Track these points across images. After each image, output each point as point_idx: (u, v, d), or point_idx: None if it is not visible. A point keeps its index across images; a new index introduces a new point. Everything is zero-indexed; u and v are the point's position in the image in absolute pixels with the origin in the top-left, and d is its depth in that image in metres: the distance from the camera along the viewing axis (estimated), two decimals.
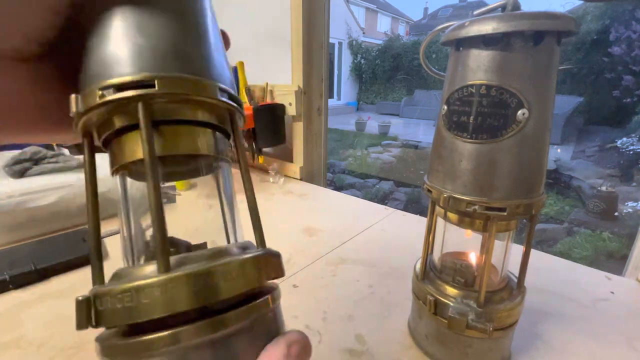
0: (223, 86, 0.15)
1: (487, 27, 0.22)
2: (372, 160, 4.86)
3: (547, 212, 3.02)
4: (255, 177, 0.89)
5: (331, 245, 0.53)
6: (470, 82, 0.24)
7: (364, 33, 12.69)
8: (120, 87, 0.13)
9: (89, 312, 0.12)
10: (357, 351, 0.33)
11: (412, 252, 0.48)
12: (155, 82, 0.13)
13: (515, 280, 0.31)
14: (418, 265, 0.33)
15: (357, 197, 0.78)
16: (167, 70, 0.13)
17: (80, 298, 0.12)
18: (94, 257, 0.14)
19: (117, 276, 0.14)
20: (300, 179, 0.89)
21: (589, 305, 0.40)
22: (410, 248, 0.52)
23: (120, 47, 0.13)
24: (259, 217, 0.16)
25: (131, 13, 0.13)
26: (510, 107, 0.23)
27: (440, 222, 0.32)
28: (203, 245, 0.17)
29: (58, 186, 0.56)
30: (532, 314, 0.37)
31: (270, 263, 0.15)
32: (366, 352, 0.32)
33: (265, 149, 0.94)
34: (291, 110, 0.84)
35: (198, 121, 0.15)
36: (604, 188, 3.02)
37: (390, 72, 10.60)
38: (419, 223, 0.63)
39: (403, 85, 10.42)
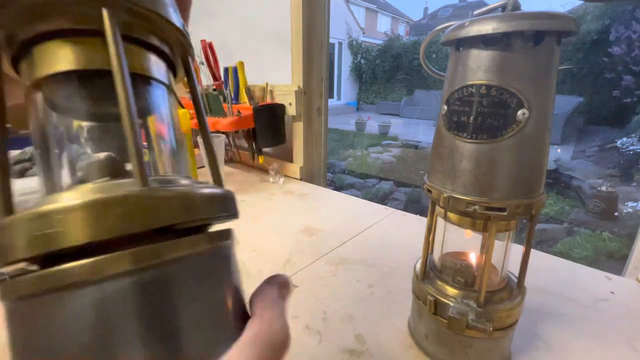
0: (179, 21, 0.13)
1: (487, 27, 0.22)
2: (372, 160, 4.86)
3: (547, 212, 3.02)
4: (255, 177, 0.89)
5: (331, 245, 0.53)
6: (470, 82, 0.24)
7: (364, 33, 12.69)
8: None
9: None
10: (357, 351, 0.33)
11: (412, 252, 0.48)
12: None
13: (515, 280, 0.31)
14: (418, 265, 0.33)
15: (357, 197, 0.78)
16: None
17: None
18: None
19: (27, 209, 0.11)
20: (300, 179, 0.89)
21: (589, 305, 0.40)
22: (410, 248, 0.52)
23: None
24: (214, 156, 0.15)
25: None
26: (510, 107, 0.23)
27: (440, 222, 0.32)
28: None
29: None
30: (532, 314, 0.37)
31: (218, 200, 0.13)
32: (366, 352, 0.32)
33: (265, 149, 0.94)
34: (291, 110, 0.84)
35: (149, 43, 0.13)
36: (604, 188, 3.02)
37: (390, 72, 10.60)
38: (419, 223, 0.63)
39: (403, 85, 10.42)
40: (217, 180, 0.15)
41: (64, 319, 0.10)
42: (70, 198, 0.10)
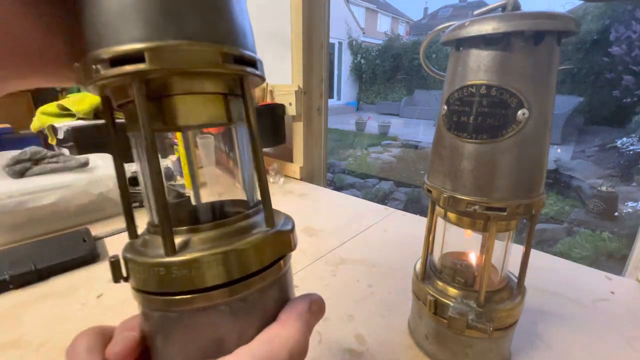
0: (226, 49, 0.13)
1: (487, 27, 0.22)
2: (372, 160, 4.86)
3: (547, 212, 3.02)
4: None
5: (331, 245, 0.53)
6: (471, 82, 0.24)
7: (364, 33, 12.68)
8: (112, 61, 0.12)
9: (119, 269, 0.16)
10: (357, 351, 0.33)
11: (412, 252, 0.48)
12: (145, 55, 0.12)
13: (515, 280, 0.31)
14: (418, 265, 0.33)
15: (357, 197, 0.78)
16: (159, 37, 0.12)
17: (112, 259, 0.16)
18: (126, 213, 0.16)
19: (145, 243, 0.16)
20: (300, 179, 0.89)
21: (589, 305, 0.40)
22: (410, 248, 0.52)
23: (108, 8, 0.12)
24: (269, 196, 0.17)
25: None
26: (510, 107, 0.23)
27: (440, 222, 0.32)
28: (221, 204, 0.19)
29: (58, 186, 0.56)
30: (532, 314, 0.37)
31: (278, 242, 0.16)
32: (366, 352, 0.32)
33: (265, 149, 0.94)
34: (291, 110, 0.84)
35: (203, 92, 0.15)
36: (604, 188, 3.02)
37: (390, 72, 10.60)
38: (419, 223, 0.63)
39: (403, 85, 10.42)
40: (270, 219, 0.17)
41: (199, 327, 0.15)
42: (208, 246, 0.15)
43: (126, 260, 0.15)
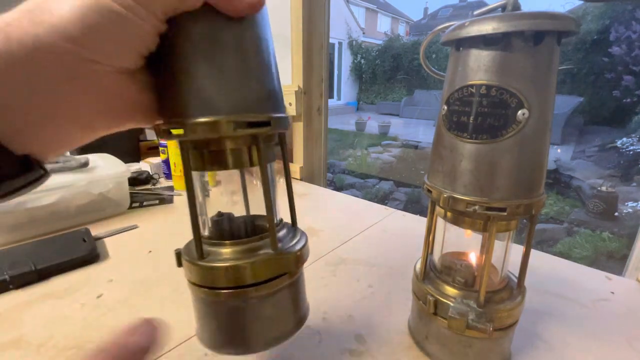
0: (240, 119, 0.18)
1: (487, 27, 0.22)
2: (372, 160, 4.86)
3: (547, 212, 3.02)
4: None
5: (331, 245, 0.53)
6: (471, 82, 0.24)
7: (364, 33, 12.68)
8: (165, 131, 0.19)
9: (179, 259, 0.23)
10: (357, 351, 0.33)
11: (412, 252, 0.48)
12: (271, 121, 0.19)
13: (515, 280, 0.31)
14: (418, 265, 0.33)
15: (357, 197, 0.78)
16: (194, 116, 0.18)
17: (177, 251, 0.24)
18: (195, 227, 0.21)
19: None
20: (300, 179, 0.89)
21: (589, 305, 0.40)
22: (410, 248, 0.52)
23: (180, 91, 0.18)
24: (293, 202, 0.25)
25: (209, 52, 0.18)
26: (510, 107, 0.23)
27: (440, 222, 0.32)
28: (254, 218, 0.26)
29: (58, 186, 0.56)
30: (532, 314, 0.37)
31: (275, 263, 0.22)
32: (366, 352, 0.32)
33: None
34: (291, 110, 0.83)
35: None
36: (604, 188, 3.02)
37: (390, 72, 10.60)
38: (419, 223, 0.63)
39: (403, 85, 10.41)
40: (274, 244, 0.22)
41: (210, 308, 0.22)
42: (223, 258, 0.21)
43: (178, 255, 0.23)
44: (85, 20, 0.15)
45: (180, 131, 0.18)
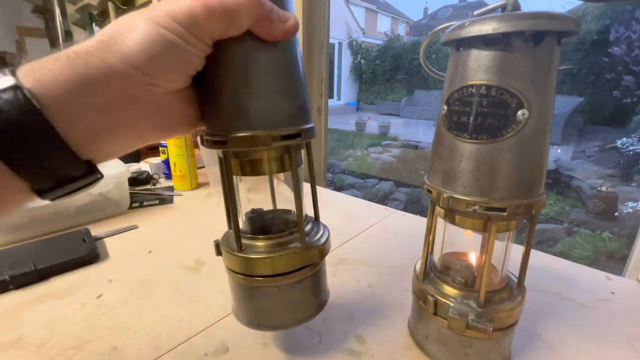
0: (275, 133, 0.21)
1: (487, 27, 0.22)
2: (372, 160, 4.86)
3: (547, 212, 3.02)
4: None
5: (331, 245, 0.53)
6: (470, 82, 0.24)
7: (364, 33, 12.68)
8: (213, 141, 0.22)
9: (218, 249, 0.27)
10: (357, 351, 0.33)
11: (412, 252, 0.48)
12: (302, 133, 0.23)
13: (515, 280, 0.31)
14: (418, 265, 0.33)
15: (357, 197, 0.78)
16: (235, 130, 0.21)
17: (216, 242, 0.28)
18: (233, 221, 0.25)
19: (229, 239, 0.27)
20: None
21: (589, 305, 0.40)
22: (410, 248, 0.52)
23: (225, 110, 0.21)
24: (317, 198, 0.31)
25: (253, 69, 0.20)
26: (510, 107, 0.23)
27: (440, 222, 0.32)
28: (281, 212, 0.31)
29: None
30: (532, 314, 0.37)
31: (302, 256, 0.26)
32: (366, 352, 0.32)
33: None
34: None
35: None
36: (604, 188, 3.02)
37: (390, 72, 10.59)
38: (419, 223, 0.63)
39: (403, 85, 10.41)
40: (302, 239, 0.27)
41: (246, 292, 0.27)
42: (259, 251, 0.25)
43: (217, 246, 0.27)
44: (149, 50, 0.17)
45: (224, 143, 0.21)
